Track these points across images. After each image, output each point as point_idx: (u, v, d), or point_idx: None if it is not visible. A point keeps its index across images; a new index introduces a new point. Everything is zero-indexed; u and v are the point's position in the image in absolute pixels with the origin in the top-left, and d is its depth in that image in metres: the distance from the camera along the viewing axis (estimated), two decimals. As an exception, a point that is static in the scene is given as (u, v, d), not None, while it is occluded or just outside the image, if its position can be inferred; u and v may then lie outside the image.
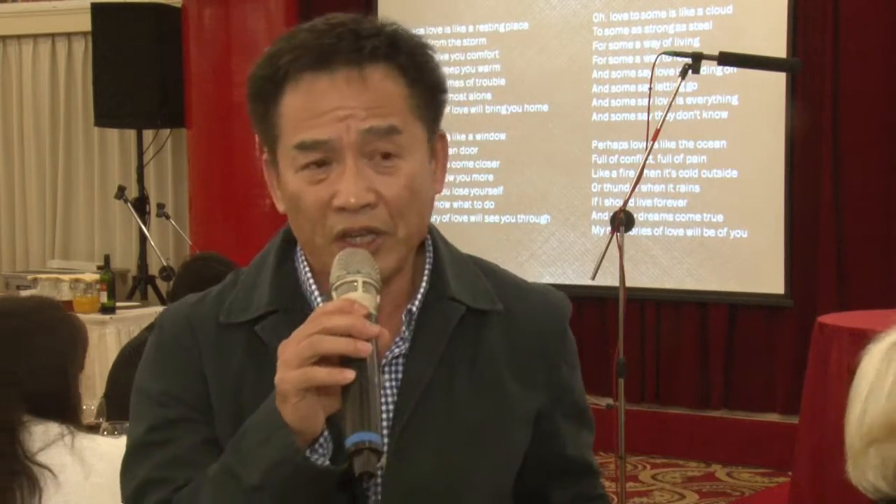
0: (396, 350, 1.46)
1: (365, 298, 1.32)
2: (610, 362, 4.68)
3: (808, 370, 4.58)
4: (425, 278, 1.50)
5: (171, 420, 1.44)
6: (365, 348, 1.26)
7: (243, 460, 1.34)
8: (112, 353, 5.72)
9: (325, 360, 1.28)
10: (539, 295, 1.59)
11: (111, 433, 3.04)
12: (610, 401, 4.55)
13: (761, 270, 6.34)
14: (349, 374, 1.26)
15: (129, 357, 3.96)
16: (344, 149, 1.38)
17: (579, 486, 1.63)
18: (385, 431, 1.43)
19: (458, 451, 1.46)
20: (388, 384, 1.46)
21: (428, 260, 1.52)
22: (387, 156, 1.40)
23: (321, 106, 1.38)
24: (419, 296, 1.48)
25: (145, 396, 1.48)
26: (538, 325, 1.55)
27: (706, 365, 6.55)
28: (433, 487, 1.44)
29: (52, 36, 8.48)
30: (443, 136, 1.50)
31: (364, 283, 1.33)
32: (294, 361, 1.28)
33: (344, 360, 1.28)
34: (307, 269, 1.49)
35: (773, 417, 6.33)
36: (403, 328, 1.47)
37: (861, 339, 4.55)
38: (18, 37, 8.57)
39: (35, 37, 8.52)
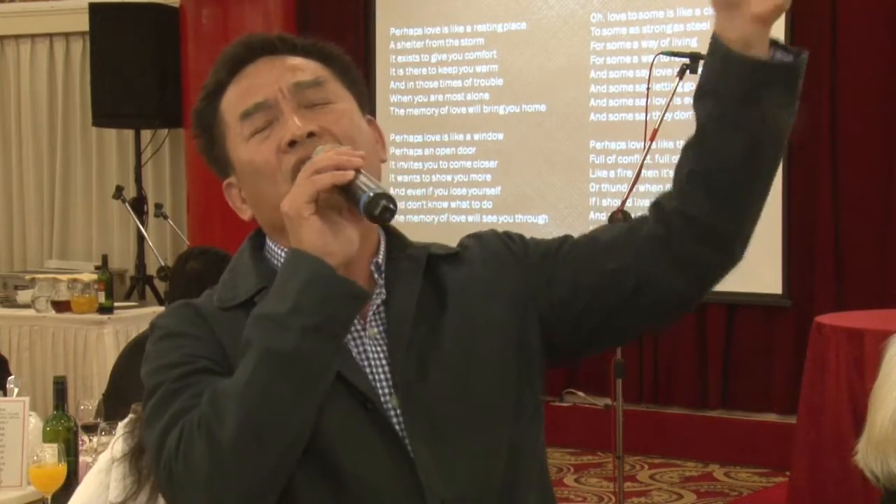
0: (378, 301, 1.53)
1: None
2: (608, 363, 4.68)
3: (806, 370, 4.58)
4: (382, 238, 1.58)
5: (197, 370, 1.46)
6: (357, 160, 1.41)
7: (274, 297, 1.40)
8: (110, 354, 5.72)
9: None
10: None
11: (108, 433, 3.05)
12: (608, 401, 4.56)
13: (759, 270, 6.33)
14: (349, 173, 1.39)
15: (132, 354, 3.96)
16: (280, 103, 1.51)
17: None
18: (386, 375, 1.49)
19: (459, 375, 1.51)
20: (380, 336, 1.52)
21: (379, 229, 1.60)
22: (321, 104, 1.53)
23: (253, 82, 1.54)
24: (381, 250, 1.56)
25: (162, 368, 1.48)
26: (488, 245, 1.62)
27: (704, 365, 6.55)
28: (450, 413, 1.48)
29: (50, 36, 8.47)
30: (374, 121, 1.61)
31: (337, 150, 1.46)
32: (297, 183, 1.40)
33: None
34: (283, 252, 1.55)
35: (771, 417, 6.33)
36: (377, 277, 1.54)
37: (859, 339, 4.58)
38: (16, 37, 8.55)
39: (33, 37, 8.50)
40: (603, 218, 6.16)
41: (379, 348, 1.51)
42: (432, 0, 7.24)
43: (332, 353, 1.39)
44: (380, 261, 1.55)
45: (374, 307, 1.52)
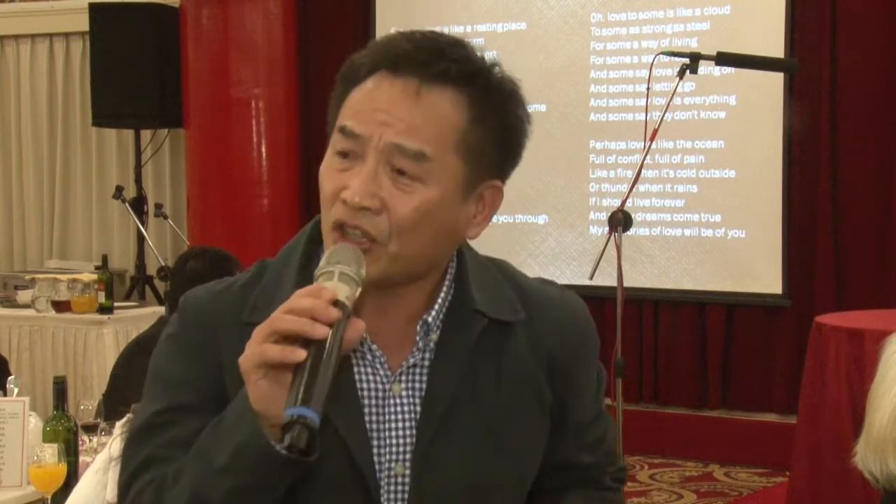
0: (412, 360, 1.48)
1: (338, 287, 1.33)
2: (608, 362, 4.68)
3: (806, 370, 4.59)
4: (445, 286, 1.51)
5: (184, 405, 1.46)
6: (320, 330, 1.28)
7: (217, 441, 1.37)
8: (110, 354, 5.72)
9: (286, 339, 1.30)
10: (559, 304, 1.60)
11: (108, 433, 3.04)
12: (608, 401, 4.55)
13: (759, 270, 6.34)
14: (300, 354, 1.28)
15: (132, 354, 3.96)
16: (370, 149, 1.40)
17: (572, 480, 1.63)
18: (410, 441, 1.46)
19: (485, 461, 1.48)
20: (405, 393, 1.48)
21: (450, 270, 1.52)
22: (408, 177, 1.41)
23: (373, 103, 1.41)
24: (436, 306, 1.49)
25: (161, 379, 1.49)
26: (560, 335, 1.57)
27: (704, 365, 6.55)
28: (461, 495, 1.47)
29: (50, 36, 8.48)
30: (498, 189, 1.49)
31: (341, 273, 1.35)
32: (255, 339, 1.32)
33: (308, 343, 1.29)
34: None
35: (771, 417, 6.33)
36: (418, 339, 1.48)
37: (859, 339, 4.58)
38: (16, 37, 8.56)
39: (33, 37, 8.51)
40: (603, 218, 6.16)
41: (403, 408, 1.48)
42: (432, 0, 7.24)
43: None
44: (429, 320, 1.48)
45: (408, 363, 1.48)
